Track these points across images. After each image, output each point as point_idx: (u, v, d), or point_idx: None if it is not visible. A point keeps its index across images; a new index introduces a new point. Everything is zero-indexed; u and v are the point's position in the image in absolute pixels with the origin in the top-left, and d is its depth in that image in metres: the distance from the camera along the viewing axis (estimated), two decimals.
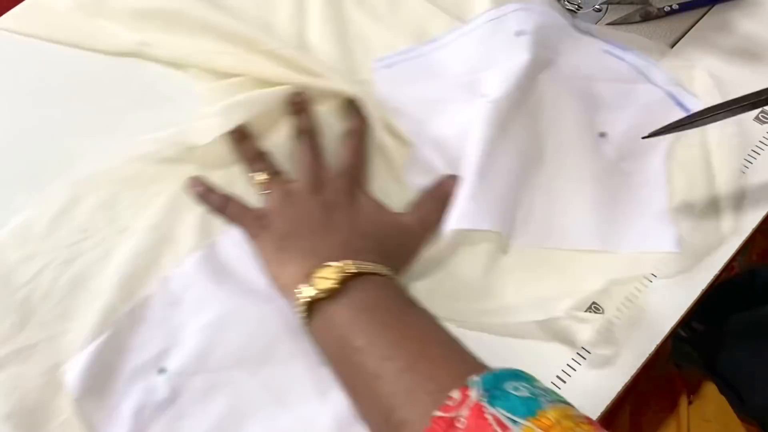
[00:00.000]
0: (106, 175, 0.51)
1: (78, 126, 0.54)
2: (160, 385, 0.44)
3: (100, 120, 0.54)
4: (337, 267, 0.43)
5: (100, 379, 0.44)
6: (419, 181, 0.51)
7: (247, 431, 0.44)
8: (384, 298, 0.43)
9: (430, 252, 0.49)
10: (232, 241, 0.49)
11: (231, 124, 0.50)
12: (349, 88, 0.52)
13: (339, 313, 0.42)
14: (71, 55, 0.57)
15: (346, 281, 0.42)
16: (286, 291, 0.45)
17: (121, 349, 0.45)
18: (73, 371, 0.44)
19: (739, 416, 0.64)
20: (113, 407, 0.44)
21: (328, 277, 0.42)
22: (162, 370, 0.45)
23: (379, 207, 0.50)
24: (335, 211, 0.48)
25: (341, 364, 0.42)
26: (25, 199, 0.51)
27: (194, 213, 0.50)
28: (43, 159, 0.53)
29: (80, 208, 0.50)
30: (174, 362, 0.45)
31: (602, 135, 0.54)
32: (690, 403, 0.65)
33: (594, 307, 0.48)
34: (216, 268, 0.48)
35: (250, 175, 0.51)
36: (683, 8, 0.60)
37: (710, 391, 0.66)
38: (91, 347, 0.45)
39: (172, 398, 0.44)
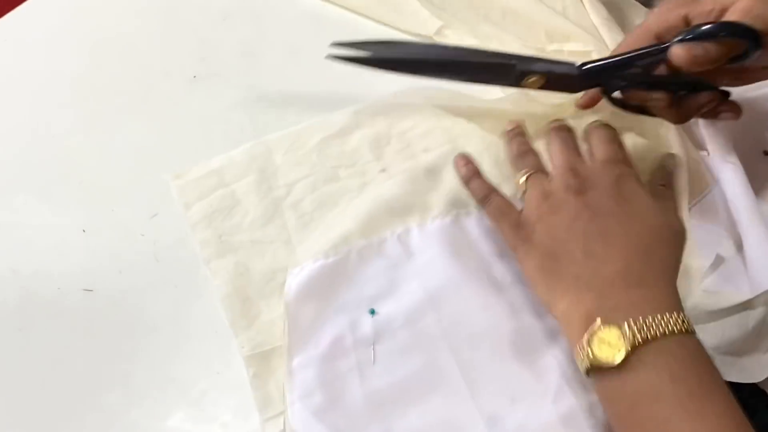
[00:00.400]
0: (385, 113, 0.52)
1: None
2: (367, 324, 0.44)
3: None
4: (623, 333, 0.37)
5: (316, 295, 0.45)
6: (700, 222, 0.46)
7: (428, 403, 0.42)
8: (687, 362, 0.37)
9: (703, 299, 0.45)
10: (484, 221, 0.48)
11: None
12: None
13: (631, 382, 0.37)
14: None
15: (637, 348, 0.36)
16: (563, 324, 0.41)
17: (343, 277, 0.46)
18: (295, 278, 0.46)
19: None
20: (318, 325, 0.45)
21: (612, 342, 0.37)
22: (373, 312, 0.45)
23: (651, 205, 0.43)
24: (606, 220, 0.42)
25: (626, 422, 0.38)
26: (25, 199, 0.51)
27: (454, 180, 0.49)
28: (43, 159, 0.53)
29: (353, 136, 0.52)
30: (386, 309, 0.45)
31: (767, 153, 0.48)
32: None
33: None
34: (458, 241, 0.47)
35: (516, 175, 0.47)
36: None
37: None
38: (318, 264, 0.46)
39: (373, 340, 0.44)
